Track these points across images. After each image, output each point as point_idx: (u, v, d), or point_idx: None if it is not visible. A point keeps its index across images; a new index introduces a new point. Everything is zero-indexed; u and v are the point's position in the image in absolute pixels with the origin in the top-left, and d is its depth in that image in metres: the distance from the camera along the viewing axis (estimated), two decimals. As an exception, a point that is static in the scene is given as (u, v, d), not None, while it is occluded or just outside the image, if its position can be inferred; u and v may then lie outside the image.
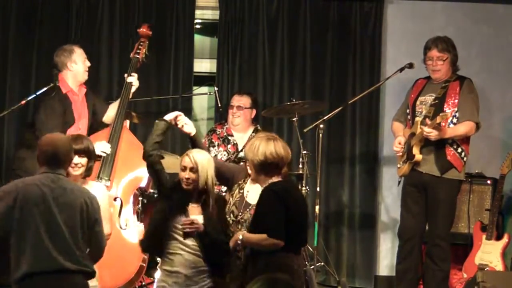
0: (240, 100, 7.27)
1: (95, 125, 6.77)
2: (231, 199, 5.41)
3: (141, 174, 6.49)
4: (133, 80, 6.76)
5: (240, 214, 5.33)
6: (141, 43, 6.91)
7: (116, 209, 6.34)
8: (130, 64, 6.84)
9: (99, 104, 6.82)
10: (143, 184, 6.60)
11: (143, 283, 6.64)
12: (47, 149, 4.81)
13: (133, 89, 6.77)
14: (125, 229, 6.35)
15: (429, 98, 6.72)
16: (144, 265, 6.38)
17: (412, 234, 6.75)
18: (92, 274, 4.79)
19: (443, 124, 6.56)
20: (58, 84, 6.58)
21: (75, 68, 6.65)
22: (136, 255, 6.21)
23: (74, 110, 6.60)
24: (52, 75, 6.62)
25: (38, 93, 6.48)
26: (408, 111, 6.85)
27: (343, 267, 7.67)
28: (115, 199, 6.38)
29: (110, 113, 6.74)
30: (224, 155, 7.20)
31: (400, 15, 7.83)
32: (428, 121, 6.52)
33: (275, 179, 5.12)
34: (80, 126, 6.62)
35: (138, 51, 6.88)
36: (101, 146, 6.40)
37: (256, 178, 5.20)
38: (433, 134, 6.48)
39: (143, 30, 6.95)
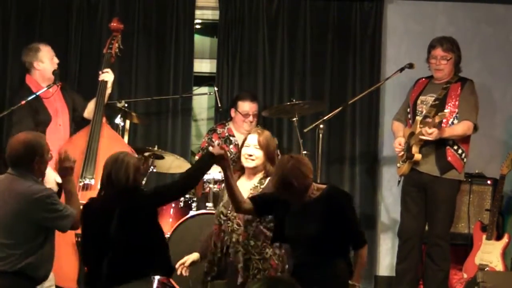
0: (255, 108, 7.24)
1: (77, 121, 6.74)
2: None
3: None
4: (106, 76, 6.71)
5: (229, 212, 5.32)
6: (113, 38, 6.88)
7: None
8: (104, 61, 6.81)
9: (79, 100, 6.79)
10: None
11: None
12: (6, 148, 4.91)
13: (109, 84, 6.71)
14: None
15: (430, 98, 6.73)
16: None
17: (412, 234, 6.76)
18: (18, 273, 4.79)
19: (444, 125, 6.57)
20: (59, 84, 6.58)
21: (42, 67, 6.64)
22: None
23: (48, 107, 6.57)
24: (53, 75, 6.63)
25: (38, 93, 6.46)
26: (408, 110, 6.85)
27: (343, 267, 7.65)
28: None
29: (90, 108, 6.69)
30: (225, 155, 7.18)
31: (400, 15, 7.82)
32: (428, 120, 6.53)
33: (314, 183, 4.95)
34: (60, 122, 6.60)
35: (110, 46, 6.84)
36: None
37: (304, 197, 4.85)
38: (434, 133, 6.48)
39: (114, 24, 6.93)
